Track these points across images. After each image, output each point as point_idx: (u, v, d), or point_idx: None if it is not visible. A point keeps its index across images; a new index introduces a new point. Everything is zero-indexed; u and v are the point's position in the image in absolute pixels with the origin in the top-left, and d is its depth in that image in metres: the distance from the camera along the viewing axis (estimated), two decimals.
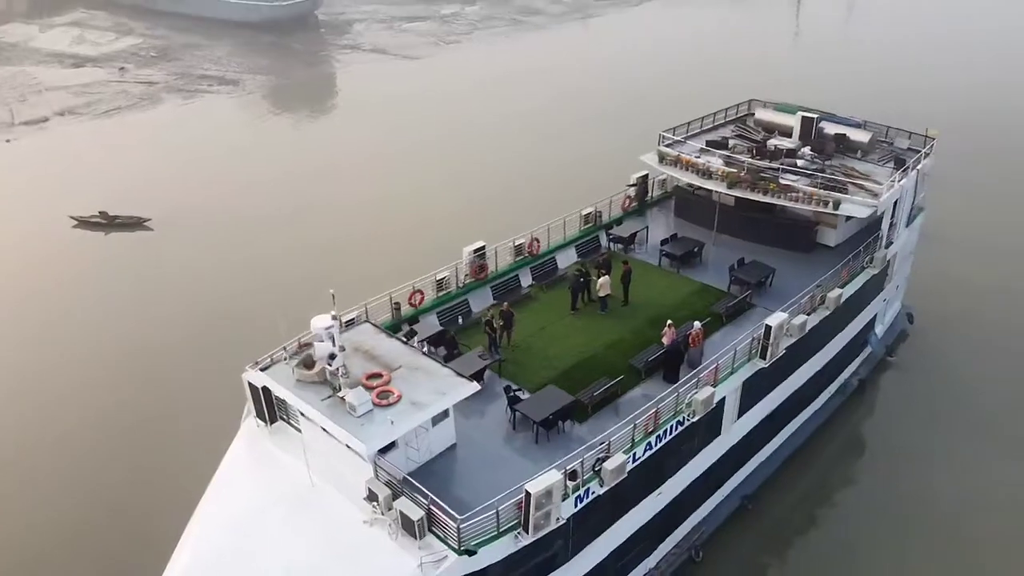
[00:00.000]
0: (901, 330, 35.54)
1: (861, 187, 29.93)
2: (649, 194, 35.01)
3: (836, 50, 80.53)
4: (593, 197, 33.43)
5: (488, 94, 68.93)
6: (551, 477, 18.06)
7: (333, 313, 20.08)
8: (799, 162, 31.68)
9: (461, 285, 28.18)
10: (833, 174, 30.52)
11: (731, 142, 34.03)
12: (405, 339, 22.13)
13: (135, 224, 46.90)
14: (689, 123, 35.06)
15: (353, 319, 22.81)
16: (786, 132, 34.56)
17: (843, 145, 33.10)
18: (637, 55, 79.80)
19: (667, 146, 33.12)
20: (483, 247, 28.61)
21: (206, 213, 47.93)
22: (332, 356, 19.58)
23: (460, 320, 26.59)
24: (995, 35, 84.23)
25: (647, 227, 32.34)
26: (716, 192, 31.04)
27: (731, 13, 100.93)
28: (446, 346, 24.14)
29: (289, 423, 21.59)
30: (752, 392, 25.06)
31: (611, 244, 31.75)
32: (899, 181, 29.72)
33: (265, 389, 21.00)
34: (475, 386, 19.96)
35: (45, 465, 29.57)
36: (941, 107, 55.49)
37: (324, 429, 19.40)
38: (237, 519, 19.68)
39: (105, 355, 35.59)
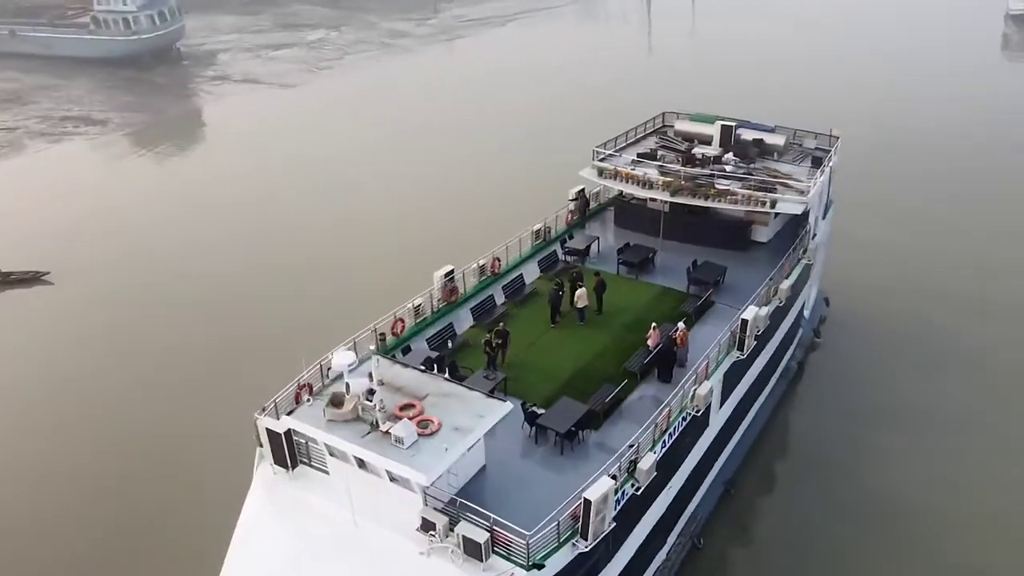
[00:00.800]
0: (821, 315, 38.87)
1: (788, 186, 32.73)
2: (588, 207, 36.52)
3: (692, 62, 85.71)
4: (530, 214, 34.60)
5: (378, 117, 68.85)
6: (605, 483, 18.83)
7: (349, 347, 20.04)
8: (727, 167, 34.19)
9: (435, 310, 28.45)
10: (760, 176, 33.24)
11: (659, 153, 36.18)
12: (423, 368, 22.26)
13: (32, 279, 43.50)
14: (616, 138, 36.85)
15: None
16: (706, 140, 37.06)
17: (761, 149, 35.97)
18: (515, 73, 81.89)
19: (601, 160, 34.83)
20: (452, 271, 28.96)
21: (106, 260, 45.37)
22: (371, 392, 19.48)
23: (449, 344, 26.85)
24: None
25: (598, 238, 33.79)
26: (657, 200, 32.93)
27: (587, 29, 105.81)
28: (449, 370, 24.37)
29: (312, 466, 21.18)
30: (729, 383, 26.87)
31: (567, 257, 32.95)
32: (819, 178, 32.74)
33: (287, 433, 20.55)
34: (508, 406, 20.37)
35: None
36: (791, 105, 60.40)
37: (364, 465, 19.26)
38: (280, 570, 19.17)
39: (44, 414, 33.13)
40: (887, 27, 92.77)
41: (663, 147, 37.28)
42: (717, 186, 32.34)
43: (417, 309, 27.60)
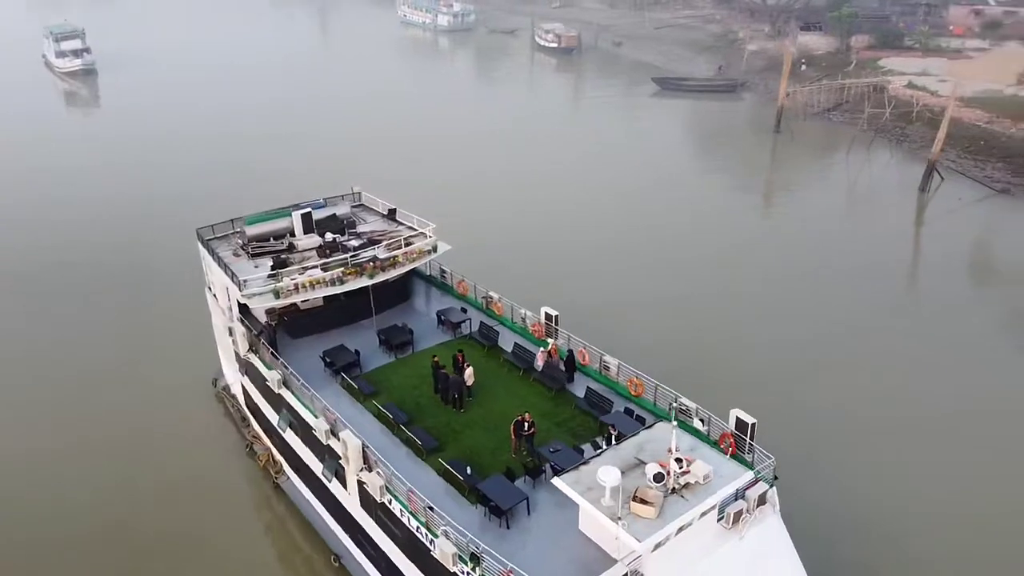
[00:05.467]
0: None
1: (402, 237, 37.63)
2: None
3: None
4: None
5: None
6: None
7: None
8: (351, 242, 36.66)
9: None
10: (376, 238, 37.23)
11: (256, 262, 35.13)
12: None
13: None
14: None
15: None
16: (281, 235, 37.59)
17: (340, 222, 38.84)
18: None
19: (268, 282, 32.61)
20: None
21: None
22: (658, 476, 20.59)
23: None
24: None
25: (358, 352, 32.87)
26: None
27: None
28: None
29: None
30: None
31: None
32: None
33: None
34: None
35: None
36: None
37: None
38: None
39: None
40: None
41: (256, 255, 36.13)
42: (371, 262, 35.22)
43: None
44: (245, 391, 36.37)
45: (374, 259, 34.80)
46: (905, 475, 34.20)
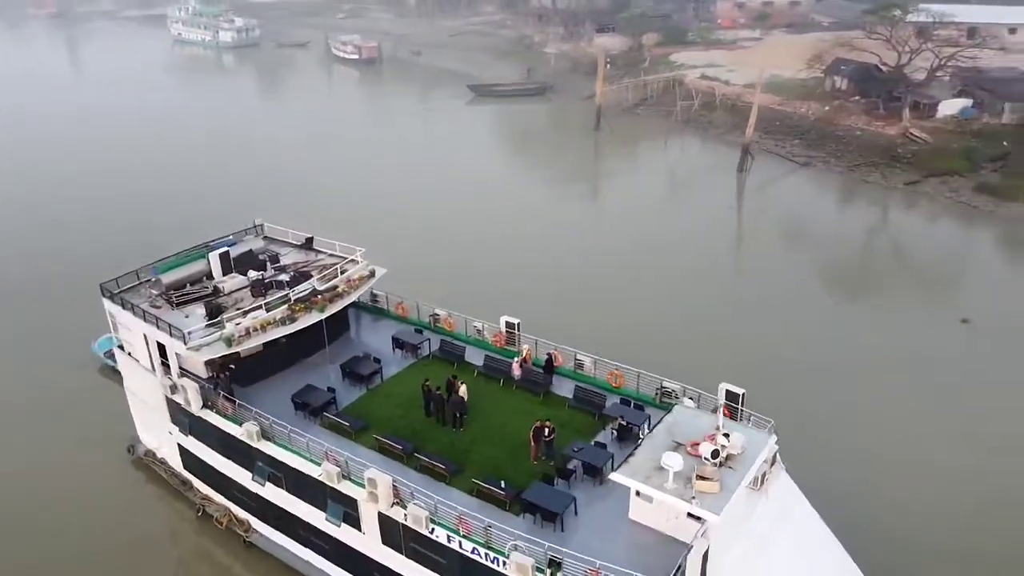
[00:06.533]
0: None
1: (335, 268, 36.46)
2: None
3: None
4: None
5: None
6: None
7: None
8: (280, 277, 34.95)
9: None
10: (306, 269, 35.91)
11: (185, 311, 32.74)
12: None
13: None
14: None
15: None
16: (198, 279, 35.05)
17: (261, 258, 36.78)
18: None
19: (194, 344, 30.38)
20: None
21: None
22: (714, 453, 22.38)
23: None
24: None
25: (333, 389, 31.45)
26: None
27: None
28: None
29: None
30: None
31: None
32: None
33: None
34: None
35: None
36: None
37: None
38: None
39: None
40: None
41: (184, 302, 33.46)
42: (318, 287, 34.09)
43: None
44: (185, 452, 33.58)
45: (314, 292, 33.68)
46: None
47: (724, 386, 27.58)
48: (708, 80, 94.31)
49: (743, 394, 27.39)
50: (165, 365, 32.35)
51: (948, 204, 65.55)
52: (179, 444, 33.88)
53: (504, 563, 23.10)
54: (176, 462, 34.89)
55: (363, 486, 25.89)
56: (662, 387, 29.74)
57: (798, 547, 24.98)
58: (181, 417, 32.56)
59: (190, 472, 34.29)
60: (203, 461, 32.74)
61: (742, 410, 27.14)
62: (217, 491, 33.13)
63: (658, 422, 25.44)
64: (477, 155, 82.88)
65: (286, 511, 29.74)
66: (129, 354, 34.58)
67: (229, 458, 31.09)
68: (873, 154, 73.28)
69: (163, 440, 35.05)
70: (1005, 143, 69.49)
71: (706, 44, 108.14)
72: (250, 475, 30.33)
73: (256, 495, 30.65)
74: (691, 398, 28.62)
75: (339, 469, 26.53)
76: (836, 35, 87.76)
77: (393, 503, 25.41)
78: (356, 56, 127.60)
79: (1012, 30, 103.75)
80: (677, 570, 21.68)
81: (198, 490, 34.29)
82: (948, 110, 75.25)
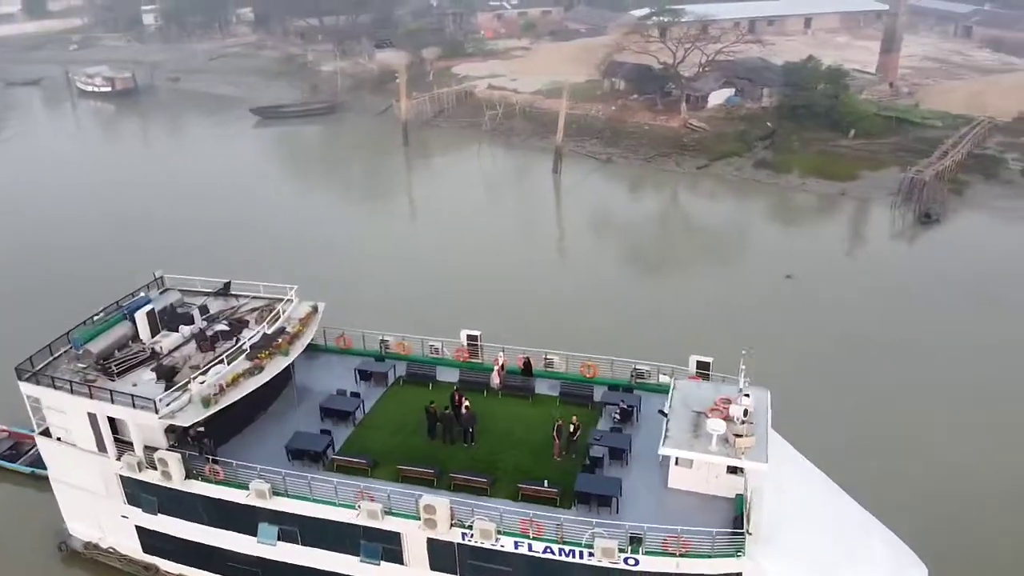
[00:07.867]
0: None
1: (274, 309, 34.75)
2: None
3: None
4: None
5: None
6: None
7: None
8: (219, 327, 32.86)
9: None
10: (242, 317, 34.13)
11: (131, 379, 29.88)
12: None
13: None
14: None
15: None
16: (123, 344, 31.92)
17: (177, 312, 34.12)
18: None
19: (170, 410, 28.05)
20: None
21: None
22: (745, 412, 25.46)
23: None
24: None
25: (328, 431, 30.35)
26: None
27: None
28: None
29: None
30: None
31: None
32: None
33: None
34: None
35: None
36: None
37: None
38: None
39: None
40: None
41: (125, 370, 30.35)
42: (266, 332, 32.58)
43: None
44: (149, 534, 30.52)
45: (268, 336, 32.25)
46: None
47: (694, 357, 31.13)
48: (496, 89, 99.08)
49: (711, 360, 31.10)
50: (120, 442, 29.37)
51: (736, 181, 75.58)
52: (138, 527, 30.75)
53: (581, 554, 24.58)
54: (132, 547, 31.54)
55: (411, 518, 25.93)
56: (635, 369, 32.64)
57: (799, 483, 29.01)
58: (146, 496, 29.66)
59: (155, 555, 31.22)
60: (177, 539, 30.08)
61: (712, 374, 30.83)
62: (200, 568, 30.58)
63: (669, 398, 28.16)
64: (284, 180, 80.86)
65: (303, 567, 28.47)
66: (59, 439, 30.69)
67: (221, 527, 28.99)
68: (664, 146, 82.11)
69: (111, 527, 31.50)
70: (769, 124, 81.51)
71: (483, 55, 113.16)
72: (253, 539, 28.59)
73: (260, 559, 28.91)
74: (665, 374, 31.78)
75: (381, 506, 26.19)
76: (614, 39, 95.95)
77: (452, 524, 25.72)
78: (108, 88, 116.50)
79: (770, 22, 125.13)
80: (739, 518, 24.64)
81: (167, 572, 31.35)
82: (717, 100, 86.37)
